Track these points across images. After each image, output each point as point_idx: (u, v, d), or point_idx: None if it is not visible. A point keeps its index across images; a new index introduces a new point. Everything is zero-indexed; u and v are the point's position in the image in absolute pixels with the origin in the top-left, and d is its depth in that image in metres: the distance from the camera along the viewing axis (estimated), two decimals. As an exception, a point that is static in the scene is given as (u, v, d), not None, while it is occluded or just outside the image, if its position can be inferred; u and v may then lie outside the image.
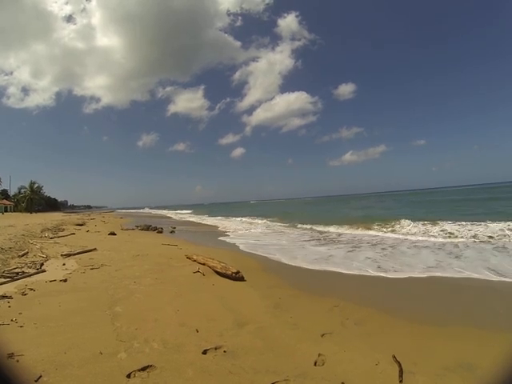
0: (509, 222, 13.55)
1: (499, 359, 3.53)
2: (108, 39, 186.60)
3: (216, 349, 3.68)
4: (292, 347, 3.86)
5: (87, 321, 4.29)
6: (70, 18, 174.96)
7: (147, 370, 3.13)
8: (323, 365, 3.45)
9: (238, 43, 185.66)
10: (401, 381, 3.14)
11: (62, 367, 3.03)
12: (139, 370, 3.09)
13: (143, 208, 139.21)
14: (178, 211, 71.43)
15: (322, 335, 4.25)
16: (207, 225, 30.18)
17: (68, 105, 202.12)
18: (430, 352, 3.82)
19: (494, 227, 13.49)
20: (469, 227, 14.31)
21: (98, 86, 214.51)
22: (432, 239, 13.26)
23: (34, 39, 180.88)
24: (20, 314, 4.36)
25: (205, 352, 3.59)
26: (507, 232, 12.49)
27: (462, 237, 13.02)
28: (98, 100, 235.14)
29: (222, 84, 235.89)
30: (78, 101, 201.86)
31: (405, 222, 17.52)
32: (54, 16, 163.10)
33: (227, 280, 7.30)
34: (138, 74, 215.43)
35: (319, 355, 3.62)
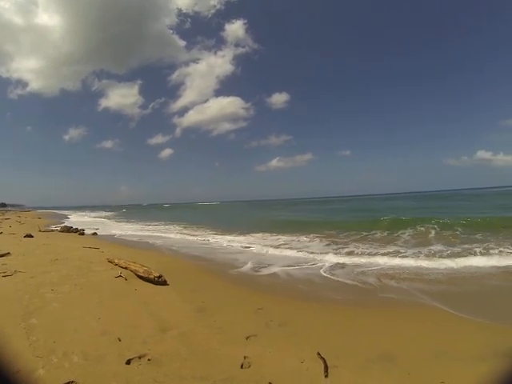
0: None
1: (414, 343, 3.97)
2: (48, 17, 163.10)
3: (140, 357, 3.49)
4: (217, 351, 3.83)
5: (-2, 336, 3.75)
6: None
7: (68, 386, 2.84)
8: (249, 367, 3.47)
9: (183, 43, 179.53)
10: (326, 376, 3.28)
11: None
12: (59, 388, 2.80)
13: (64, 208, 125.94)
14: (102, 212, 66.47)
15: (247, 338, 4.26)
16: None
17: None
18: (352, 344, 4.06)
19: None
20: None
21: (28, 68, 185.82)
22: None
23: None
24: None
25: (128, 362, 3.37)
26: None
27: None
28: (25, 85, 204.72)
29: (158, 82, 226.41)
30: (2, 83, 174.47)
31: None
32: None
33: (150, 284, 6.92)
34: (73, 59, 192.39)
35: (245, 358, 3.64)
